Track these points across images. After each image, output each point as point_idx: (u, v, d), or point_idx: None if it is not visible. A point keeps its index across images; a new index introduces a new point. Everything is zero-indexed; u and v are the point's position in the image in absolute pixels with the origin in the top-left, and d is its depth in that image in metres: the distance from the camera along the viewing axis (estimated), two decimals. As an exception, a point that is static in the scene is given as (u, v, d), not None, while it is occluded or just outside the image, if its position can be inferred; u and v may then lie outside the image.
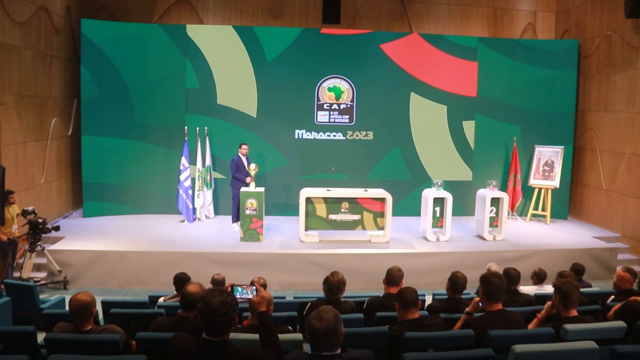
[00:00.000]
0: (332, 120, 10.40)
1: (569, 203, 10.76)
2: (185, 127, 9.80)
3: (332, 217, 8.42)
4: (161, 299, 5.16)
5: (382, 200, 8.43)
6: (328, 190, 8.47)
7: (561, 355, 3.17)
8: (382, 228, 8.50)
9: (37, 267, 7.64)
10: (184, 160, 9.45)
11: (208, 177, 9.88)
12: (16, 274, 7.33)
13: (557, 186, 10.26)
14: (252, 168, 8.73)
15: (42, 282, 7.42)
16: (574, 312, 3.67)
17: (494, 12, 11.22)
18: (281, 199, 10.25)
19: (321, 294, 4.52)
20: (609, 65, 9.77)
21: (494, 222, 8.90)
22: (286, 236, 8.81)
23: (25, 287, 5.76)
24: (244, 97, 10.17)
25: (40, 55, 8.85)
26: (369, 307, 4.44)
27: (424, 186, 9.76)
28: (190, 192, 9.52)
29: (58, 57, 9.51)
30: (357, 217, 8.45)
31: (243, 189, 8.52)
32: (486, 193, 8.90)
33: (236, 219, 9.06)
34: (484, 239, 8.87)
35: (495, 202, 8.85)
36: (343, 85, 10.33)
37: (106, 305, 4.89)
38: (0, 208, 6.79)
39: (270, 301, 3.43)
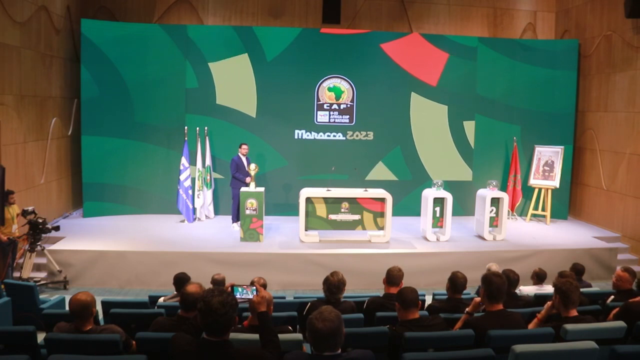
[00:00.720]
0: (332, 120, 10.40)
1: (569, 203, 10.76)
2: (185, 127, 9.80)
3: (332, 217, 8.42)
4: (161, 299, 5.16)
5: (382, 200, 8.43)
6: (328, 190, 8.47)
7: (561, 355, 3.17)
8: (382, 228, 8.50)
9: (37, 267, 7.64)
10: (184, 160, 9.45)
11: (208, 177, 9.88)
12: (16, 274, 7.33)
13: (557, 186, 10.26)
14: (252, 168, 8.73)
15: (42, 282, 7.42)
16: (574, 312, 3.67)
17: (494, 12, 11.22)
18: (281, 199, 10.26)
19: (321, 294, 4.52)
20: (609, 65, 9.77)
21: (494, 222, 8.90)
22: (286, 236, 8.81)
23: (25, 287, 5.77)
24: (243, 97, 10.17)
25: (40, 55, 8.85)
26: (369, 307, 4.44)
27: (424, 186, 9.76)
28: (190, 192, 9.52)
29: (58, 57, 9.51)
30: (357, 217, 8.45)
31: (243, 189, 8.52)
32: (486, 193, 8.90)
33: (236, 219, 9.06)
34: (484, 239, 8.87)
35: (495, 202, 8.85)
36: (343, 85, 10.33)
37: (106, 305, 4.89)
38: (0, 208, 6.79)
39: (270, 301, 3.43)
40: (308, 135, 10.37)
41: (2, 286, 5.75)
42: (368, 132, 10.44)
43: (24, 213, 7.29)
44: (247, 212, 8.37)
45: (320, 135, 10.38)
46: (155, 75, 9.88)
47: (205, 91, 10.07)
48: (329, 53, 10.19)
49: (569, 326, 3.48)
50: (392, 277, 4.55)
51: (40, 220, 7.32)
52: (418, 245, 8.51)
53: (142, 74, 9.83)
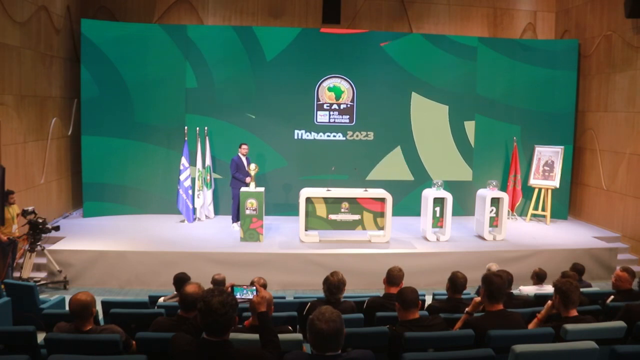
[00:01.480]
0: (332, 120, 10.40)
1: (569, 203, 10.76)
2: (185, 127, 9.80)
3: (332, 217, 8.42)
4: (161, 299, 5.16)
5: (382, 200, 8.43)
6: (328, 190, 8.47)
7: (561, 355, 3.17)
8: (382, 228, 8.50)
9: (37, 267, 7.64)
10: (184, 160, 9.45)
11: (208, 177, 9.88)
12: (16, 274, 7.33)
13: (557, 186, 10.26)
14: (252, 168, 8.73)
15: (42, 282, 7.42)
16: (574, 312, 3.67)
17: (494, 12, 11.22)
18: (281, 199, 10.25)
19: (321, 294, 4.52)
20: (609, 65, 9.77)
21: (494, 222, 8.90)
22: (286, 236, 8.81)
23: (25, 287, 5.77)
24: (243, 97, 10.17)
25: (40, 55, 8.85)
26: (369, 307, 4.44)
27: (424, 186, 9.76)
28: (190, 192, 9.52)
29: (58, 57, 9.51)
30: (357, 217, 8.45)
31: (243, 189, 8.52)
32: (486, 193, 8.90)
33: (236, 219, 9.06)
34: (484, 239, 8.87)
35: (495, 202, 8.85)
36: (343, 85, 10.33)
37: (106, 305, 4.89)
38: (0, 208, 6.79)
39: (271, 301, 3.42)
40: (308, 136, 10.37)
41: (2, 286, 5.76)
42: (368, 132, 10.44)
43: (24, 213, 7.29)
44: (247, 212, 8.37)
45: (320, 136, 10.38)
46: (155, 75, 9.88)
47: (205, 91, 10.07)
48: (329, 53, 10.18)
49: (569, 326, 3.48)
50: (393, 277, 4.55)
51: (40, 220, 7.32)
52: (418, 245, 8.51)
53: (142, 74, 9.83)
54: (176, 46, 9.93)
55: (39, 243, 7.36)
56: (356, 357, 2.63)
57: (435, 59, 10.40)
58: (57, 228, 7.66)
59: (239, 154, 9.16)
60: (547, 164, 10.36)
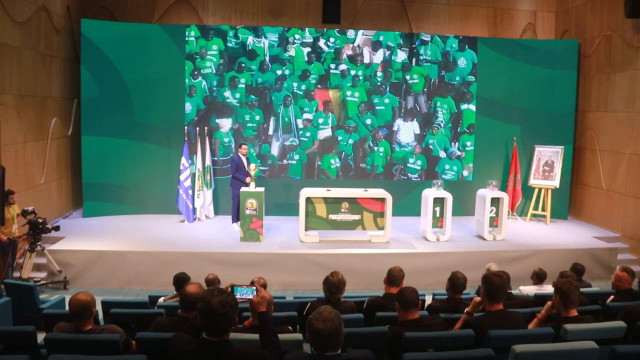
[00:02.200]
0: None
1: (569, 203, 10.76)
2: (185, 127, 9.80)
3: (332, 217, 8.42)
4: (161, 299, 5.16)
5: (382, 200, 8.43)
6: (328, 190, 8.47)
7: (561, 355, 3.18)
8: (382, 228, 8.50)
9: (37, 267, 7.63)
10: (184, 160, 9.45)
11: (208, 177, 9.88)
12: (16, 274, 7.33)
13: (557, 186, 10.26)
14: (252, 168, 8.72)
15: (42, 282, 7.42)
16: (574, 312, 3.67)
17: (494, 12, 11.21)
18: (281, 199, 10.25)
19: (321, 294, 4.52)
20: (609, 65, 9.77)
21: (494, 222, 8.90)
22: (286, 236, 8.81)
23: (25, 287, 5.77)
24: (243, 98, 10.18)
25: (40, 55, 8.85)
26: (369, 307, 4.44)
27: (424, 186, 9.76)
28: (190, 192, 9.52)
29: (58, 57, 9.51)
30: (357, 217, 8.45)
31: (243, 189, 8.52)
32: (486, 193, 8.90)
33: (236, 219, 9.06)
34: (484, 239, 8.87)
35: (495, 202, 8.85)
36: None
37: (106, 305, 4.89)
38: (0, 208, 6.79)
39: (271, 301, 3.43)
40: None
41: (2, 286, 5.75)
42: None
43: (24, 213, 7.29)
44: (247, 212, 8.37)
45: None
46: (155, 75, 9.88)
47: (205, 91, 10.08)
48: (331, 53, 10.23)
49: (569, 326, 3.48)
50: (393, 277, 4.55)
51: (40, 220, 7.32)
52: (418, 245, 8.51)
53: (142, 74, 9.83)
54: (176, 46, 9.93)
55: (39, 243, 7.36)
56: (356, 357, 2.63)
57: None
58: (57, 228, 7.66)
59: (239, 154, 9.16)
60: (547, 164, 10.36)
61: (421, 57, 10.43)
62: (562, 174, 10.25)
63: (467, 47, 10.49)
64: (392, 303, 4.18)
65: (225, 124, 10.17)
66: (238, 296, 2.99)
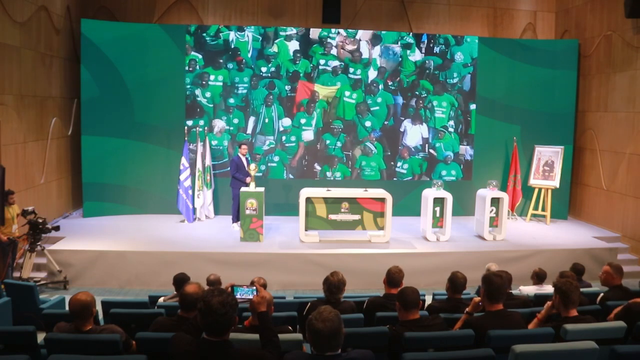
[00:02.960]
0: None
1: (569, 203, 10.76)
2: (185, 127, 9.80)
3: (332, 217, 8.42)
4: (161, 299, 5.16)
5: (382, 200, 8.43)
6: (328, 190, 8.47)
7: (561, 355, 3.18)
8: (382, 228, 8.50)
9: (37, 267, 7.63)
10: (184, 160, 9.45)
11: (208, 177, 9.88)
12: (16, 274, 7.33)
13: (557, 186, 10.26)
14: (252, 168, 8.72)
15: (42, 282, 7.42)
16: (574, 312, 3.67)
17: (494, 12, 11.21)
18: (281, 199, 10.26)
19: (321, 294, 4.52)
20: (609, 65, 9.77)
21: (494, 222, 8.90)
22: (286, 236, 8.81)
23: (25, 287, 5.76)
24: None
25: (40, 55, 8.85)
26: (369, 307, 4.44)
27: (424, 186, 9.76)
28: (190, 192, 9.52)
29: (58, 57, 9.51)
30: (357, 217, 8.45)
31: (243, 189, 8.52)
32: (486, 193, 8.90)
33: (236, 219, 9.06)
34: (484, 239, 8.87)
35: (495, 202, 8.85)
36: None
37: (106, 305, 4.89)
38: (0, 208, 6.79)
39: (271, 301, 3.43)
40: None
41: (2, 286, 5.75)
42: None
43: (24, 213, 7.29)
44: (247, 212, 8.37)
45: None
46: (155, 75, 9.88)
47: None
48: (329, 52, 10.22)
49: (569, 326, 3.49)
50: (392, 277, 4.55)
51: (40, 220, 7.32)
52: (418, 245, 8.51)
53: (142, 74, 9.83)
54: (176, 46, 9.94)
55: (39, 243, 7.36)
56: (356, 357, 2.63)
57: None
58: (57, 228, 7.66)
59: (239, 154, 9.16)
60: (547, 164, 10.36)
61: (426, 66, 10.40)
62: (562, 174, 10.26)
63: (465, 40, 10.47)
64: (392, 303, 4.18)
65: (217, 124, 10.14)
66: (238, 296, 2.99)
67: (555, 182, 10.23)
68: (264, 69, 10.12)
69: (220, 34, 10.02)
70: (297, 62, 10.14)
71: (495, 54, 10.50)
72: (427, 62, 10.42)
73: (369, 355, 2.70)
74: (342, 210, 8.42)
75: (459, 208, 9.93)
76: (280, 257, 7.99)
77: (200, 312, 2.55)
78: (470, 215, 9.74)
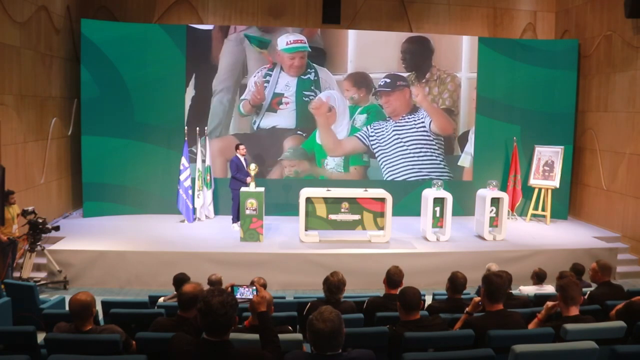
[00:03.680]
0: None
1: (569, 203, 10.76)
2: (185, 127, 9.80)
3: (332, 217, 8.42)
4: (161, 299, 5.17)
5: (382, 200, 8.43)
6: (328, 190, 8.47)
7: (561, 355, 3.18)
8: (382, 228, 8.50)
9: (37, 267, 7.63)
10: (184, 160, 9.44)
11: (208, 177, 9.88)
12: (16, 274, 7.33)
13: (557, 186, 10.26)
14: (252, 168, 8.72)
15: (42, 282, 7.42)
16: (574, 311, 3.67)
17: (494, 12, 11.22)
18: (281, 199, 10.26)
19: (321, 294, 4.52)
20: (609, 65, 9.77)
21: (494, 222, 8.90)
22: (286, 236, 8.81)
23: (25, 287, 5.76)
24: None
25: (40, 55, 8.85)
26: (369, 307, 4.44)
27: (424, 186, 9.76)
28: (190, 192, 9.52)
29: (58, 57, 9.51)
30: (357, 217, 8.45)
31: (243, 189, 8.52)
32: (486, 193, 8.90)
33: (236, 219, 9.06)
34: (484, 239, 8.87)
35: (495, 202, 8.85)
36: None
37: (106, 305, 4.89)
38: (0, 208, 6.78)
39: (271, 301, 3.43)
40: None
41: (2, 286, 5.75)
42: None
43: (24, 213, 7.29)
44: (247, 212, 8.37)
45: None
46: (155, 75, 9.88)
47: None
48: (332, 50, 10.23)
49: (569, 326, 3.48)
50: (392, 277, 4.55)
51: (40, 220, 7.32)
52: (418, 245, 8.51)
53: (142, 74, 9.83)
54: (176, 46, 9.94)
55: (39, 243, 7.36)
56: (357, 357, 2.63)
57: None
58: (57, 228, 7.66)
59: (238, 155, 9.15)
60: (547, 164, 10.36)
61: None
62: (562, 174, 10.26)
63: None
64: (392, 303, 4.18)
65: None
66: (238, 296, 2.99)
67: (555, 182, 10.23)
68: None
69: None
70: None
71: (495, 54, 10.50)
72: None
73: (369, 356, 2.71)
74: (342, 210, 8.42)
75: (459, 208, 9.92)
76: (280, 257, 7.98)
77: (200, 312, 2.55)
78: (470, 215, 9.73)
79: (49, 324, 4.29)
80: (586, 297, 4.81)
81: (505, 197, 8.89)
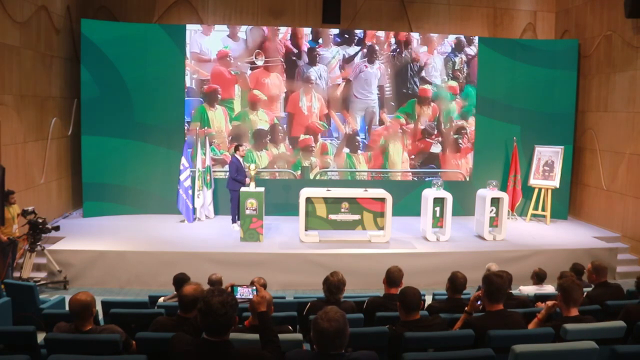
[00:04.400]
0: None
1: (569, 203, 10.76)
2: (185, 127, 9.79)
3: (332, 217, 8.41)
4: (161, 299, 5.17)
5: (382, 200, 8.43)
6: (328, 190, 8.47)
7: (561, 355, 3.17)
8: (382, 228, 8.50)
9: (37, 267, 7.63)
10: (184, 160, 9.44)
11: (208, 177, 9.88)
12: (16, 274, 7.33)
13: (557, 186, 10.26)
14: (252, 168, 8.72)
15: (42, 282, 7.42)
16: (574, 312, 3.67)
17: (494, 12, 11.21)
18: (281, 199, 10.25)
19: (321, 294, 4.51)
20: (609, 65, 9.77)
21: (494, 222, 8.90)
22: (286, 236, 8.81)
23: (25, 287, 5.76)
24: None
25: (40, 55, 8.85)
26: (369, 307, 4.44)
27: (424, 186, 9.76)
28: (190, 192, 9.52)
29: (58, 57, 9.51)
30: (357, 217, 8.45)
31: (243, 189, 8.52)
32: (486, 193, 8.90)
33: (236, 219, 9.06)
34: (484, 239, 8.87)
35: (495, 202, 8.85)
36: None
37: (106, 305, 4.89)
38: (0, 208, 6.78)
39: (270, 301, 3.43)
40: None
41: (2, 286, 5.75)
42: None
43: (24, 213, 7.29)
44: (247, 212, 8.37)
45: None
46: (155, 75, 9.88)
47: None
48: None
49: (569, 326, 3.49)
50: (392, 277, 4.55)
51: (40, 220, 7.32)
52: (418, 245, 8.51)
53: (142, 74, 9.83)
54: (176, 46, 9.94)
55: (39, 243, 7.36)
56: (359, 357, 2.63)
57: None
58: (57, 228, 7.66)
59: (237, 156, 9.15)
60: (547, 164, 10.36)
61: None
62: (562, 174, 10.25)
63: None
64: (392, 303, 4.18)
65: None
66: (238, 296, 2.99)
67: (555, 182, 10.23)
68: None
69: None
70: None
71: (495, 54, 10.50)
72: None
73: (372, 356, 2.70)
74: (342, 210, 8.42)
75: (459, 208, 9.92)
76: (280, 257, 7.98)
77: (200, 312, 2.55)
78: (470, 215, 9.73)
79: (49, 324, 4.29)
80: (584, 297, 4.81)
81: (505, 197, 8.89)
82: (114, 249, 7.96)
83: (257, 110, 10.18)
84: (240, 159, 9.14)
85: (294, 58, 10.20)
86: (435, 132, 10.59)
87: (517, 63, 10.52)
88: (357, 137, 10.46)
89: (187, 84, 10.02)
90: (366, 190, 8.57)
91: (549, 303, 3.83)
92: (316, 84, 10.24)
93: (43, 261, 7.63)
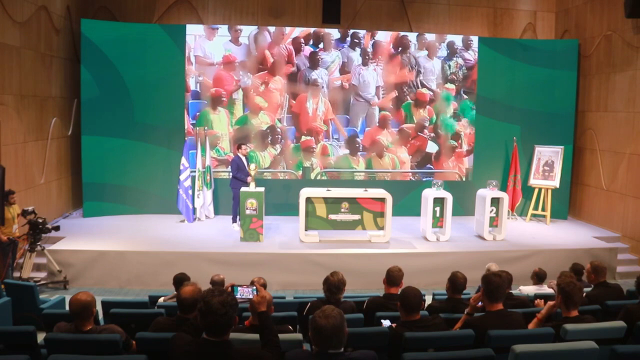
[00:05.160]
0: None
1: (569, 203, 10.76)
2: (185, 127, 9.79)
3: (332, 217, 8.41)
4: (161, 299, 5.16)
5: (382, 200, 8.43)
6: (328, 190, 8.47)
7: (561, 355, 3.17)
8: (382, 228, 8.50)
9: (37, 267, 7.64)
10: (184, 160, 9.44)
11: (208, 177, 9.88)
12: (16, 274, 7.33)
13: (557, 186, 10.26)
14: (252, 168, 8.72)
15: (42, 282, 7.42)
16: (574, 313, 3.67)
17: (494, 12, 11.21)
18: (281, 199, 10.25)
19: (321, 294, 4.51)
20: (609, 65, 9.77)
21: (494, 222, 8.90)
22: (286, 236, 8.81)
23: (25, 287, 5.77)
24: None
25: (40, 55, 8.85)
26: (369, 307, 4.44)
27: (424, 186, 9.76)
28: (190, 192, 9.52)
29: (58, 57, 9.51)
30: (357, 217, 8.45)
31: (243, 188, 8.52)
32: (486, 193, 8.90)
33: (236, 219, 9.06)
34: (484, 239, 8.87)
35: (495, 202, 8.85)
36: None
37: (106, 305, 4.89)
38: (0, 208, 6.78)
39: (271, 301, 3.42)
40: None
41: (2, 286, 5.75)
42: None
43: (24, 213, 7.29)
44: (247, 212, 8.37)
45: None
46: (155, 75, 9.88)
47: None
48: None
49: (569, 326, 3.48)
50: (392, 277, 4.55)
51: (40, 220, 7.32)
52: (418, 245, 8.51)
53: (142, 74, 9.83)
54: (176, 46, 9.94)
55: (39, 243, 7.36)
56: (358, 357, 2.63)
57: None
58: (57, 228, 7.66)
59: (239, 155, 9.16)
60: (547, 164, 10.36)
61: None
62: (562, 174, 10.26)
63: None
64: (392, 303, 4.18)
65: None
66: (238, 296, 2.99)
67: (555, 182, 10.23)
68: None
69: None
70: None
71: (495, 54, 10.51)
72: None
73: (372, 356, 2.71)
74: (342, 210, 8.42)
75: (459, 208, 9.93)
76: (280, 257, 7.98)
77: (200, 312, 2.55)
78: (470, 215, 9.74)
79: (49, 324, 4.28)
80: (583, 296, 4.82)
81: (505, 197, 8.89)
82: (114, 249, 7.96)
83: (258, 114, 10.20)
84: (242, 158, 9.14)
85: (296, 62, 10.22)
86: (429, 125, 10.57)
87: (517, 63, 10.52)
88: (357, 139, 10.46)
89: (192, 87, 10.02)
90: (366, 190, 8.57)
91: (550, 303, 3.83)
92: (322, 87, 10.27)
93: (43, 261, 7.63)
